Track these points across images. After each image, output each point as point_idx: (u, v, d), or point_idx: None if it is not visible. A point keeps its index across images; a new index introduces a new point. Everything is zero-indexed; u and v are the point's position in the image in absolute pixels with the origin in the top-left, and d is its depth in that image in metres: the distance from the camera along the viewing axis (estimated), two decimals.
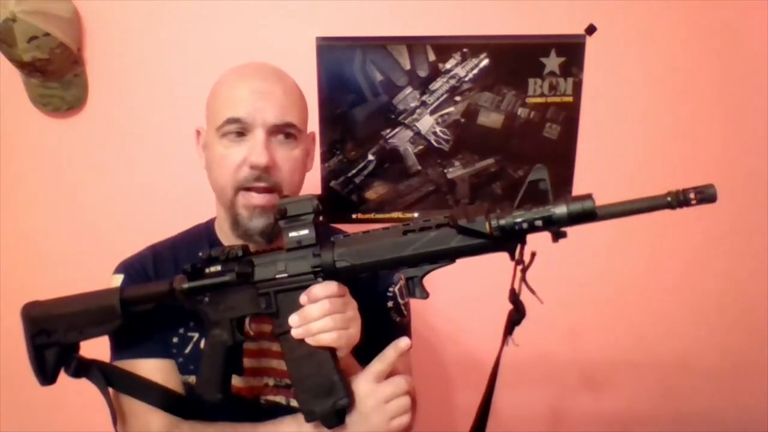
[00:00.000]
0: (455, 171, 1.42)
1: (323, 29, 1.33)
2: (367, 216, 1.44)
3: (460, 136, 1.40)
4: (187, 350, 0.89)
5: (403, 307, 1.00)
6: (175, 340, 0.90)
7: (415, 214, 1.44)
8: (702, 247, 1.48)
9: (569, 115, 1.40)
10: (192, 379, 0.88)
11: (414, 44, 1.35)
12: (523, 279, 0.70)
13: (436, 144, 1.40)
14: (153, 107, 1.37)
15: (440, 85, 1.37)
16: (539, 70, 1.37)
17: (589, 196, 0.63)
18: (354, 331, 0.78)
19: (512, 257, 0.69)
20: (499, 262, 0.71)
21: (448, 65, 1.36)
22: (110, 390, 0.85)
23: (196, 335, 0.90)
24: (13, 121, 1.36)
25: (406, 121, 1.39)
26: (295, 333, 0.76)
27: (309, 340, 0.75)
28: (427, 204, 1.43)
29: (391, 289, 0.99)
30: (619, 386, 1.55)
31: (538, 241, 0.68)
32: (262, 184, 0.85)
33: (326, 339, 0.75)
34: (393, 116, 1.38)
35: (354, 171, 1.41)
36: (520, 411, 1.54)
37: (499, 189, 1.43)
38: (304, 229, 0.76)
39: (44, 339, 0.84)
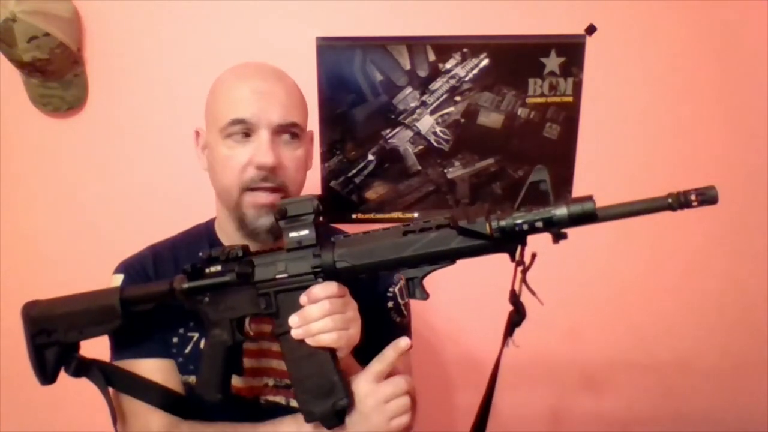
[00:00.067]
0: (455, 171, 1.42)
1: (323, 29, 1.33)
2: (367, 216, 1.44)
3: (460, 136, 1.40)
4: (187, 350, 0.89)
5: (403, 308, 1.00)
6: (175, 340, 0.90)
7: (415, 215, 1.43)
8: (702, 248, 1.48)
9: (569, 115, 1.39)
10: (192, 379, 0.88)
11: (414, 44, 1.35)
12: (524, 280, 0.70)
13: (436, 144, 1.40)
14: (153, 107, 1.37)
15: (440, 85, 1.37)
16: (539, 70, 1.37)
17: (589, 198, 0.63)
18: (354, 332, 0.78)
19: (513, 258, 0.69)
20: (499, 263, 0.71)
21: (448, 65, 1.36)
22: (110, 390, 0.85)
23: (196, 335, 0.90)
24: (13, 121, 1.36)
25: (406, 121, 1.39)
26: (295, 333, 0.76)
27: (309, 341, 0.75)
28: (427, 204, 1.43)
29: (391, 289, 0.99)
30: (619, 386, 1.55)
31: (538, 242, 0.68)
32: (268, 185, 0.85)
33: (326, 339, 0.75)
34: (393, 116, 1.38)
35: (354, 171, 1.41)
36: (521, 411, 1.54)
37: (499, 189, 1.43)
38: (305, 230, 0.76)
39: (44, 338, 0.84)
